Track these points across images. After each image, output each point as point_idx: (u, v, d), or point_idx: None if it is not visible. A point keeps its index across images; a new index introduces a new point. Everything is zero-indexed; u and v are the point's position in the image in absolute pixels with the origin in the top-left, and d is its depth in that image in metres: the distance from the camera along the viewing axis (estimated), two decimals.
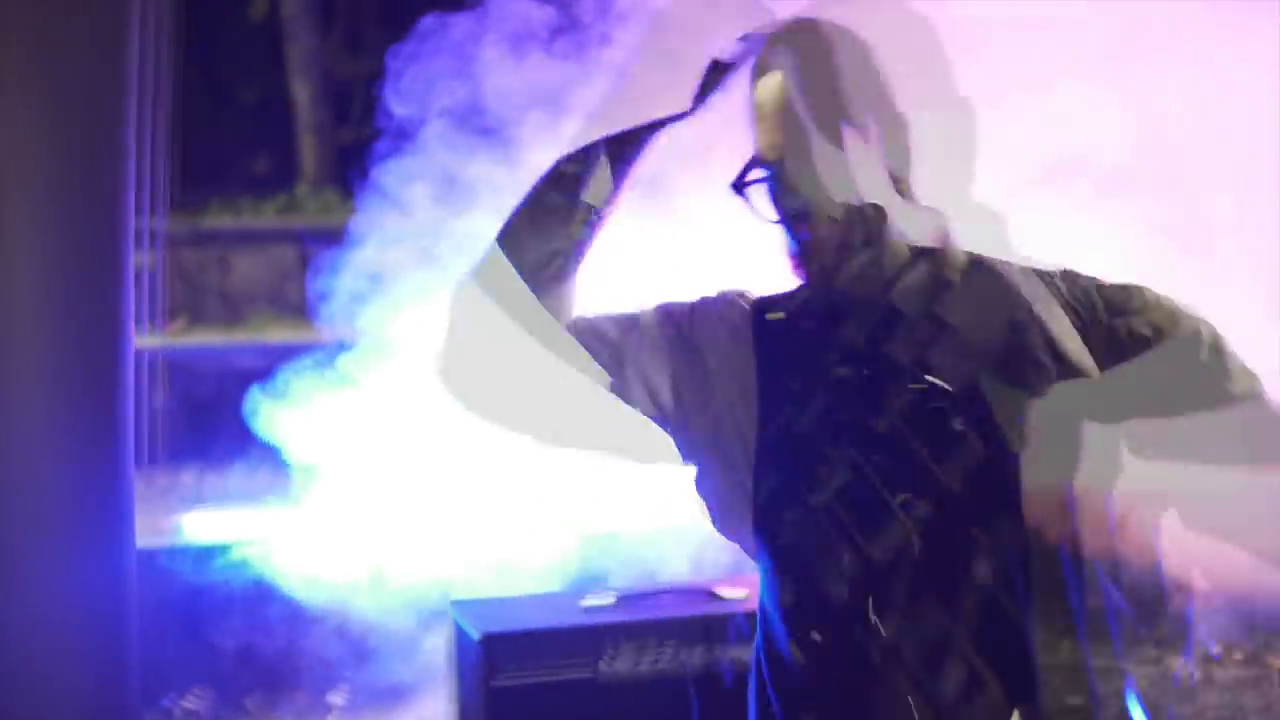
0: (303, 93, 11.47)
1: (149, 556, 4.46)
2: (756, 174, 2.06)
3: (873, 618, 1.99)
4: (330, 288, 4.47)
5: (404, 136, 4.68)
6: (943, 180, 2.22)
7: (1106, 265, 2.62)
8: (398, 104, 4.59)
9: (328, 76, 11.38)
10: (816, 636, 2.02)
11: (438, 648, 4.09)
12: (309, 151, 11.47)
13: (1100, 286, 2.06)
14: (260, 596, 4.64)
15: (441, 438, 4.26)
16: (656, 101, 2.38)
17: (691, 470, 2.16)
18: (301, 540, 4.50)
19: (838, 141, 2.02)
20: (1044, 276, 2.08)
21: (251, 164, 12.06)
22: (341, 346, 4.26)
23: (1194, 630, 4.93)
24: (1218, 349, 2.04)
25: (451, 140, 4.76)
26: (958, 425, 2.01)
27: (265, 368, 4.34)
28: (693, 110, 2.14)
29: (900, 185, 2.06)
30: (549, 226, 2.11)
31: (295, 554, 4.46)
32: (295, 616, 4.67)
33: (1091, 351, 2.02)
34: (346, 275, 4.48)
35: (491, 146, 4.84)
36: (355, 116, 10.95)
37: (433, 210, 4.66)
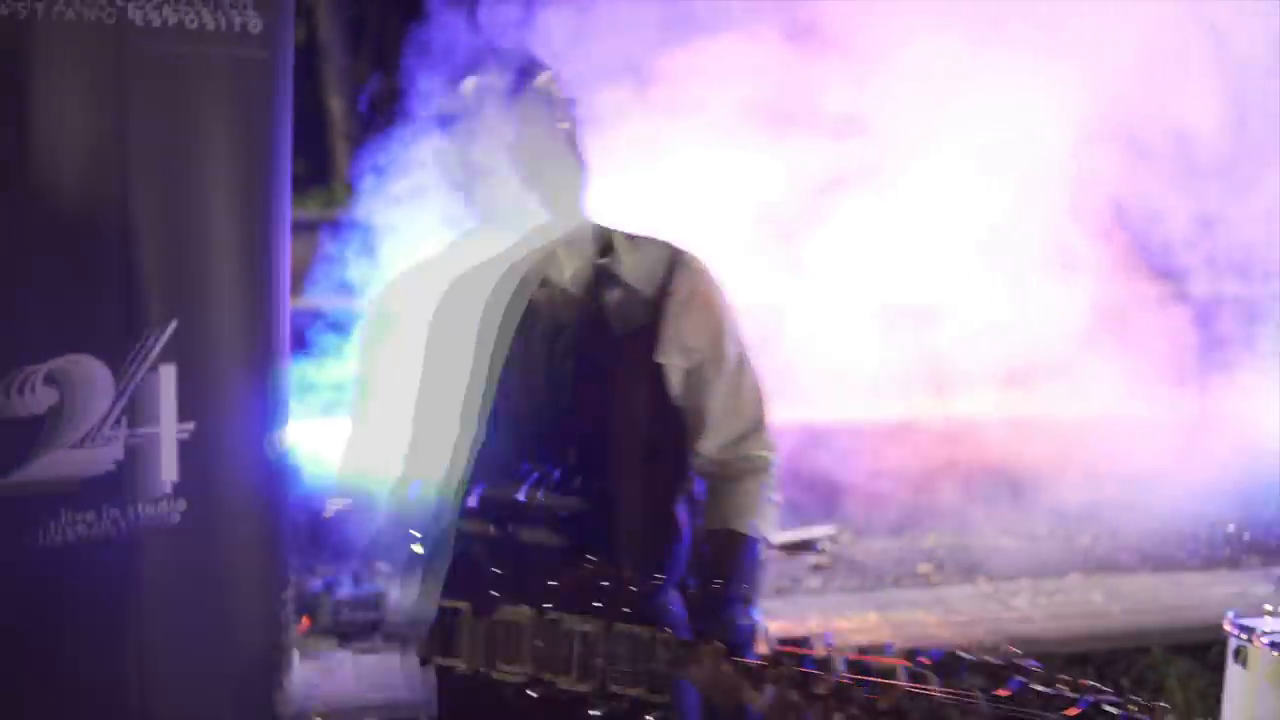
0: (337, 104, 12.66)
1: None
2: None
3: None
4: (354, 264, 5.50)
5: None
6: None
7: None
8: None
9: (358, 90, 12.54)
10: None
11: None
12: (342, 155, 12.68)
13: None
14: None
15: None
16: None
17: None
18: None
19: None
20: None
21: (294, 166, 13.23)
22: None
23: None
24: None
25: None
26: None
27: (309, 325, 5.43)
28: None
29: None
30: None
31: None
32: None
33: None
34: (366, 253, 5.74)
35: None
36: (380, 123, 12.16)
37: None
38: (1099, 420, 6.87)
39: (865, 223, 6.41)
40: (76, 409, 3.11)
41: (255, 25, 3.34)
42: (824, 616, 5.45)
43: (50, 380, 3.09)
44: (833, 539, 6.52)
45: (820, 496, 6.74)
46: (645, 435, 2.49)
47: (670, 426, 2.54)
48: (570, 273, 2.53)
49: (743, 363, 2.61)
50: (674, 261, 2.58)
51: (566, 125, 2.58)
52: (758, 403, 2.62)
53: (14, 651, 3.08)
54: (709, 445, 2.57)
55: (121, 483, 3.18)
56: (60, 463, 3.10)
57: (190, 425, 3.27)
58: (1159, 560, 6.25)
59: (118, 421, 3.18)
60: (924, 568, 6.26)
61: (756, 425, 2.62)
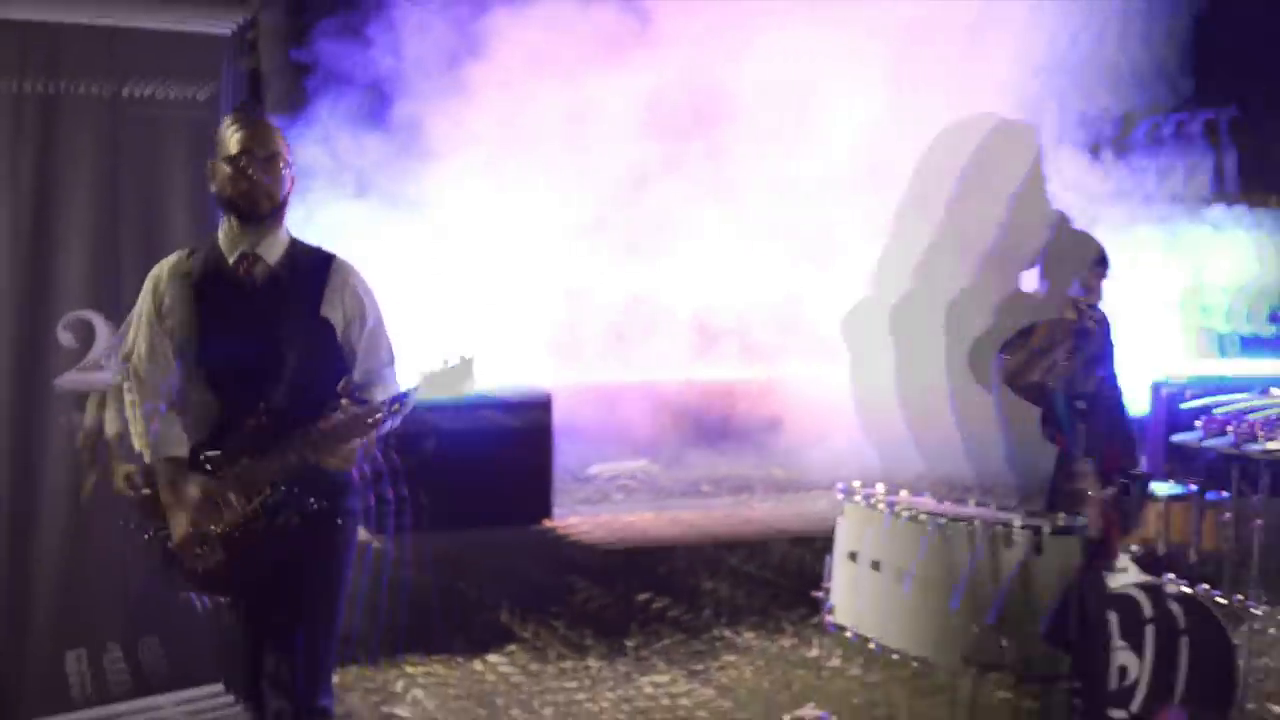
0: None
1: None
2: None
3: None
4: None
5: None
6: None
7: None
8: None
9: (297, 108, 13.87)
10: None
11: None
12: None
13: None
14: None
15: None
16: None
17: None
18: None
19: None
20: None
21: None
22: None
23: None
24: None
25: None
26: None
27: None
28: None
29: None
30: None
31: None
32: None
33: None
34: None
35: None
36: None
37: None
38: (849, 389, 8.38)
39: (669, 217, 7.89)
40: (86, 345, 4.68)
41: (203, 95, 4.90)
42: (614, 514, 7.11)
43: (69, 327, 4.65)
44: (645, 471, 8.13)
45: (648, 440, 8.30)
46: (321, 359, 3.68)
47: (338, 356, 3.73)
48: (275, 260, 3.69)
49: (378, 327, 3.77)
50: (332, 264, 3.75)
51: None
52: (387, 351, 3.80)
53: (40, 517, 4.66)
54: (356, 373, 3.73)
55: None
56: (75, 380, 4.66)
57: None
58: None
59: (109, 355, 4.73)
60: (705, 488, 7.89)
61: (386, 363, 3.79)
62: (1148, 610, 4.61)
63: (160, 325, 3.70)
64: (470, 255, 7.74)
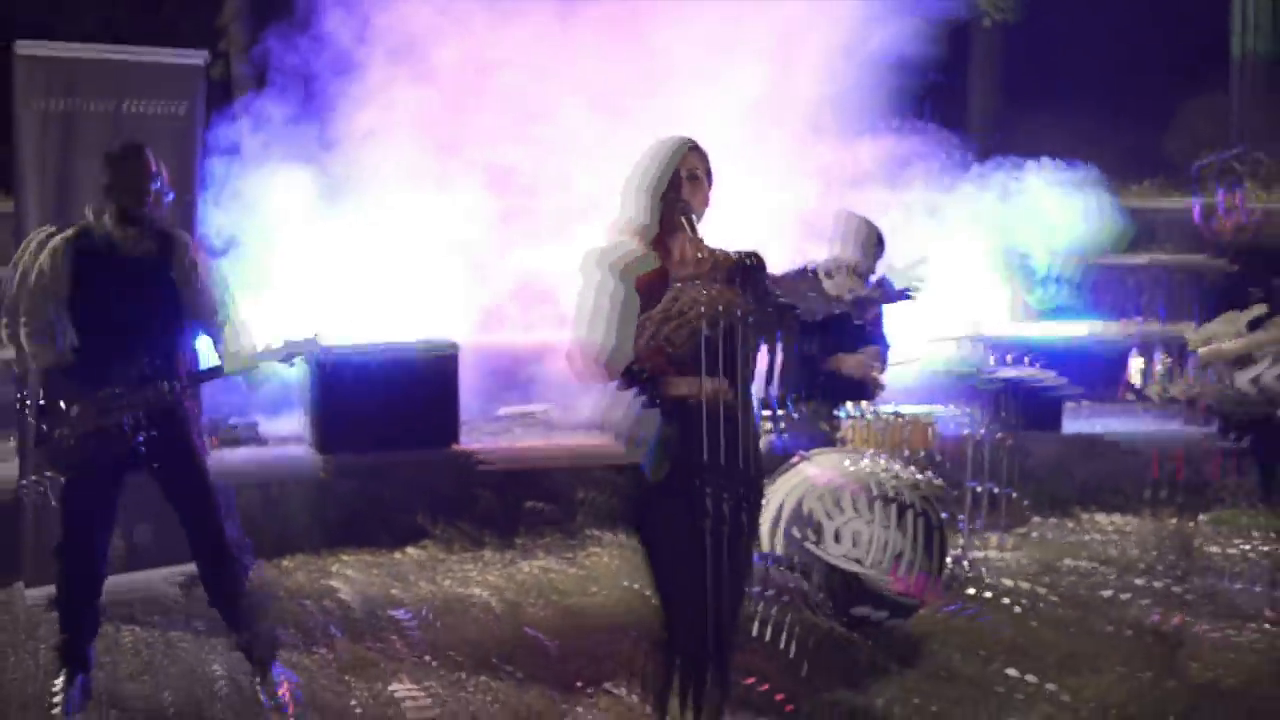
0: (246, 124, 15.05)
1: None
2: None
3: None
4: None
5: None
6: None
7: None
8: None
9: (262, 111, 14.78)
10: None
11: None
12: None
13: None
14: None
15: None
16: None
17: None
18: None
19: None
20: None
21: None
22: None
23: None
24: None
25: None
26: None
27: None
28: None
29: None
30: None
31: None
32: None
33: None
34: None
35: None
36: None
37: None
38: None
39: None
40: None
41: (181, 109, 6.34)
42: (510, 441, 8.54)
43: None
44: (545, 412, 9.50)
45: (550, 388, 9.59)
46: (171, 312, 4.94)
47: (181, 308, 4.96)
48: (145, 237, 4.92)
49: (209, 281, 4.98)
50: (176, 239, 5.00)
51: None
52: (221, 302, 5.01)
53: None
54: (189, 312, 4.98)
55: None
56: None
57: None
58: None
59: None
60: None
61: (222, 308, 5.02)
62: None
63: (51, 285, 4.86)
64: (400, 227, 8.77)
